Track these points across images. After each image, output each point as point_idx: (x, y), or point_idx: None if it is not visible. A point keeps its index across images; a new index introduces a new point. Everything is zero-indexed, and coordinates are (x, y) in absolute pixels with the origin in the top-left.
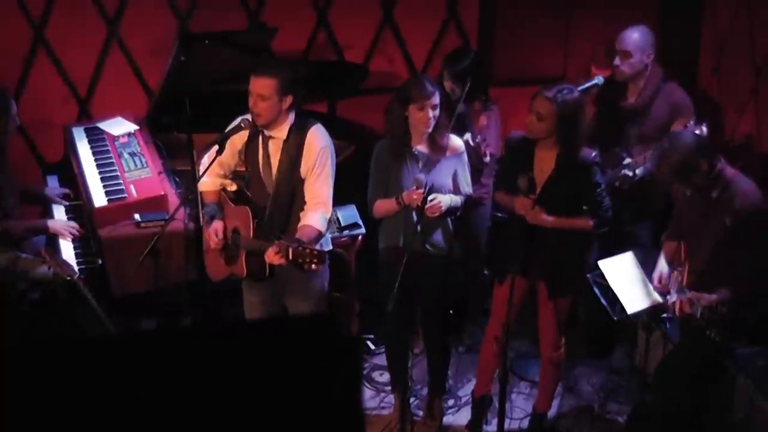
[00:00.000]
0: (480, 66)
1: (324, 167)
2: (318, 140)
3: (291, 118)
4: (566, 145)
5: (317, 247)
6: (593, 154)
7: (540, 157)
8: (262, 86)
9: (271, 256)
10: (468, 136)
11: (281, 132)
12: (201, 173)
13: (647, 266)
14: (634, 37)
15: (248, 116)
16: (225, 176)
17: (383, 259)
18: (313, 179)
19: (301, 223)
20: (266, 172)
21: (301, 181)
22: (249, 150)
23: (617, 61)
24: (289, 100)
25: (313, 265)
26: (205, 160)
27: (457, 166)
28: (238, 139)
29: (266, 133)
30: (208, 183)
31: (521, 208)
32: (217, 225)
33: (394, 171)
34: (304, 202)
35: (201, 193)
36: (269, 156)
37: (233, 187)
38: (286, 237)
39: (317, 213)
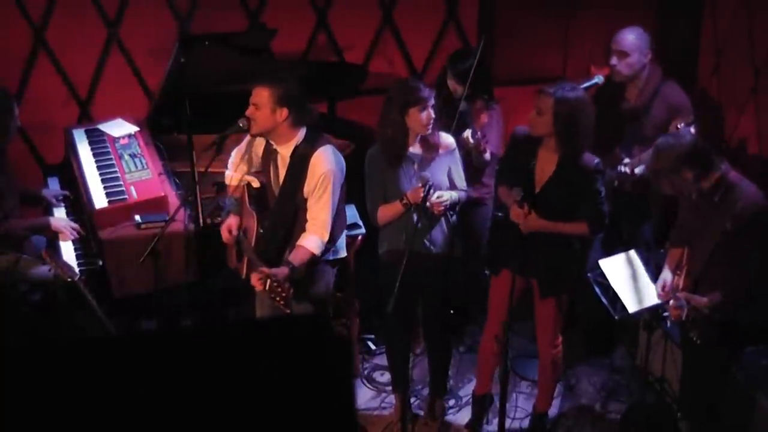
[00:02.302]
0: (483, 65)
1: (325, 192)
2: (322, 164)
3: (300, 135)
4: (566, 144)
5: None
6: (596, 161)
7: (543, 156)
8: (256, 94)
9: (254, 280)
10: (468, 132)
11: (286, 149)
12: (228, 167)
13: (650, 265)
14: (630, 37)
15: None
16: (249, 172)
17: (385, 261)
18: (314, 201)
19: (298, 243)
20: (275, 182)
21: (304, 201)
22: (264, 156)
23: (614, 61)
24: (283, 113)
25: (279, 304)
26: (234, 153)
27: (450, 162)
28: (259, 142)
29: (273, 146)
30: (232, 177)
31: (515, 217)
32: (231, 221)
33: (391, 176)
34: (306, 221)
35: (226, 185)
36: (278, 169)
37: (256, 184)
38: (283, 262)
39: (314, 237)
